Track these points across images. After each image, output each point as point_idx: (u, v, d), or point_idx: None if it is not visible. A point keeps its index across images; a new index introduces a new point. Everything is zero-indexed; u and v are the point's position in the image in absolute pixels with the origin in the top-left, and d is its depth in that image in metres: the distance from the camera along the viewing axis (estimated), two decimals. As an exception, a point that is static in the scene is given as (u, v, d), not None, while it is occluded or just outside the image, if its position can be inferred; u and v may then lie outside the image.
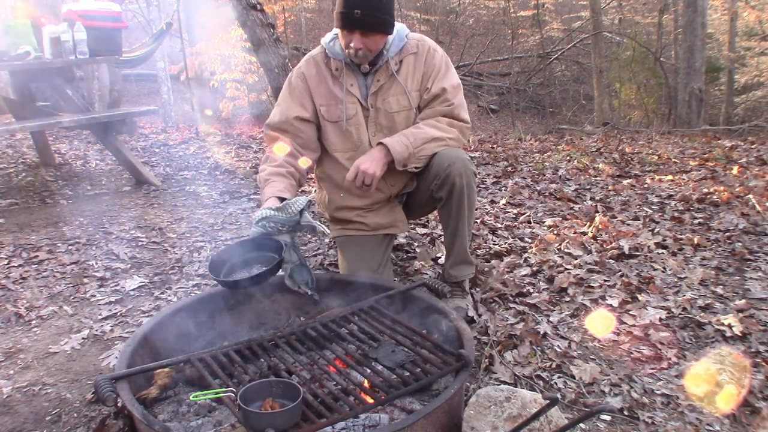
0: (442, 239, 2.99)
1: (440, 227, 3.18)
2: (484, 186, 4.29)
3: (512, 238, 3.09)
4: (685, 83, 9.59)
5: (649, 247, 2.85)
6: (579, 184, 4.34)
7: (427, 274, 2.63)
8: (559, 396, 1.69)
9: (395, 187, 2.22)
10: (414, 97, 2.11)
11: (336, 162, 2.19)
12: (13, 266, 2.80)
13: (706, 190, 3.89)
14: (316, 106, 2.14)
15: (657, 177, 4.50)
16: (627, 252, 2.79)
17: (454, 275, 2.26)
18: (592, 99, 12.36)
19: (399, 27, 2.09)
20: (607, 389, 1.75)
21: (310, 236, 3.09)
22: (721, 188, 3.91)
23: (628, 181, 4.39)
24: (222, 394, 1.37)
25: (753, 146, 5.97)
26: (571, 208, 3.69)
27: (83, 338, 2.14)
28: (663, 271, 2.58)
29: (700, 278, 2.47)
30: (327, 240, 2.95)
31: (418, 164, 2.07)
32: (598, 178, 4.56)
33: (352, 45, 1.95)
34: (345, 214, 2.24)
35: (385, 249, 2.27)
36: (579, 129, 9.52)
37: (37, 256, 2.92)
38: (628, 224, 3.27)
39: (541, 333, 2.06)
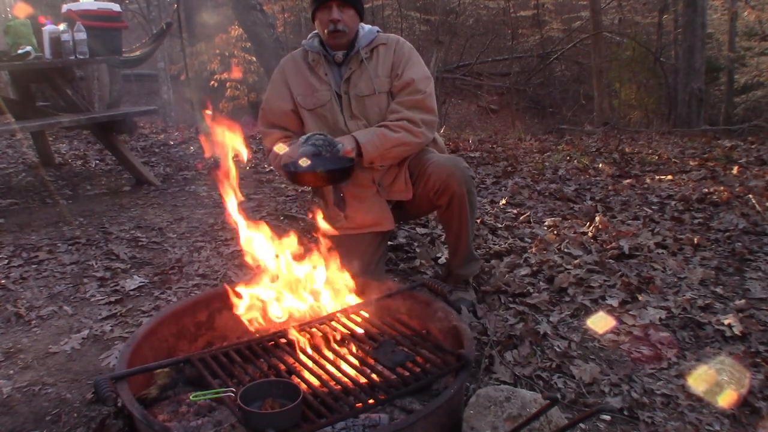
0: (443, 239, 3.01)
1: (440, 227, 3.18)
2: (483, 186, 4.29)
3: (512, 238, 3.09)
4: (685, 83, 9.59)
5: (649, 247, 2.85)
6: (579, 184, 4.34)
7: (427, 273, 2.63)
8: (559, 396, 1.69)
9: (385, 190, 2.24)
10: (384, 82, 2.19)
11: None
12: (13, 266, 2.80)
13: (706, 190, 3.89)
14: (294, 96, 2.26)
15: (657, 177, 4.50)
16: (627, 252, 2.79)
17: (463, 274, 2.31)
18: (592, 99, 12.35)
19: (371, 27, 2.28)
20: (607, 389, 1.75)
21: None
22: (721, 188, 3.91)
23: (628, 181, 4.39)
24: (222, 394, 1.37)
25: (753, 146, 5.97)
26: (571, 208, 3.69)
27: (83, 338, 2.14)
28: (663, 271, 2.58)
29: (700, 278, 2.47)
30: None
31: (383, 164, 2.17)
32: (598, 178, 4.56)
33: (333, 17, 2.09)
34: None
35: (375, 249, 2.28)
36: (579, 129, 9.51)
37: (37, 256, 2.92)
38: (628, 224, 3.27)
39: (541, 333, 2.06)
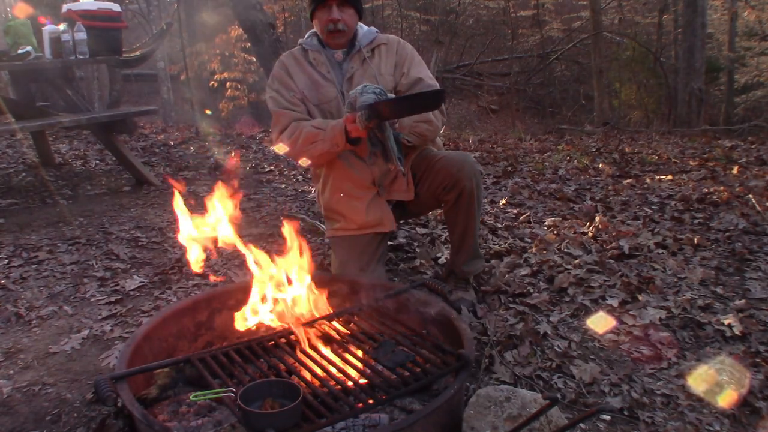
0: (443, 239, 3.01)
1: (440, 227, 3.18)
2: (484, 186, 4.29)
3: (512, 238, 3.09)
4: (685, 83, 9.59)
5: (649, 247, 2.85)
6: (579, 184, 4.34)
7: (427, 273, 2.63)
8: (559, 396, 1.69)
9: (385, 191, 2.23)
10: (387, 80, 2.19)
11: None
12: (13, 266, 2.80)
13: (706, 190, 3.89)
14: (299, 88, 2.24)
15: (657, 177, 4.50)
16: (627, 252, 2.79)
17: (467, 271, 2.32)
18: (592, 99, 12.35)
19: (369, 27, 2.29)
20: (607, 389, 1.75)
21: None
22: (721, 188, 3.91)
23: (628, 181, 4.39)
24: (222, 394, 1.37)
25: (753, 146, 5.97)
26: (571, 208, 3.69)
27: (83, 338, 2.14)
28: (663, 271, 2.58)
29: (700, 278, 2.47)
30: (327, 240, 2.95)
31: (408, 138, 2.13)
32: (598, 178, 4.56)
33: (333, 16, 2.09)
34: (337, 206, 2.25)
35: (375, 249, 2.27)
36: (579, 129, 9.51)
37: (37, 256, 2.92)
38: (628, 224, 3.27)
39: (541, 333, 2.06)
